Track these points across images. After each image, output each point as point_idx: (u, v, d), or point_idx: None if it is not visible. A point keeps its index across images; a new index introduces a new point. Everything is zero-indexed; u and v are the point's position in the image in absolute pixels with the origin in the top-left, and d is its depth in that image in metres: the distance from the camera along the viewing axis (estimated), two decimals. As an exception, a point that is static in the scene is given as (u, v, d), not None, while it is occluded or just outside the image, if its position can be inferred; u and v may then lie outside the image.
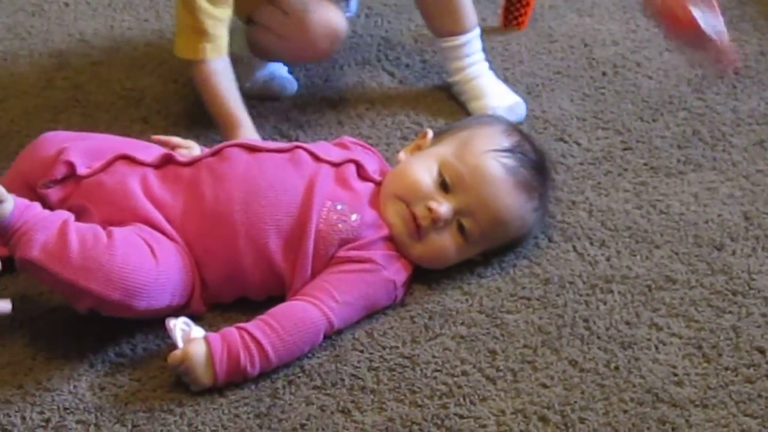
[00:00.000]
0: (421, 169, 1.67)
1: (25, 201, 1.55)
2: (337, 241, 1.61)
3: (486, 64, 2.15)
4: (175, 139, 1.83)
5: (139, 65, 2.26)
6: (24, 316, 1.58)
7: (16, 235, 1.50)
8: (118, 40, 2.35)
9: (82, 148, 1.68)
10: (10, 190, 1.59)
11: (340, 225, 1.62)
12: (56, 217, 1.53)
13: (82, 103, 2.14)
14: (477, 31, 2.13)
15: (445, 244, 1.65)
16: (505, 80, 2.19)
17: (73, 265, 1.48)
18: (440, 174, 1.66)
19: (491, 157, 1.66)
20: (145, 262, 1.52)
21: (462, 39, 2.11)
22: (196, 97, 2.13)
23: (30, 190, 1.66)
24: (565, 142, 2.01)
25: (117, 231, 1.54)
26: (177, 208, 1.62)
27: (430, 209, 1.63)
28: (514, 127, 1.76)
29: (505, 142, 1.69)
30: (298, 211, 1.62)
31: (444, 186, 1.65)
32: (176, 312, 1.58)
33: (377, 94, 2.16)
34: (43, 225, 1.50)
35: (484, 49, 2.16)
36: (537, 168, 1.70)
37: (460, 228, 1.65)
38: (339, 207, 1.63)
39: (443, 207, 1.63)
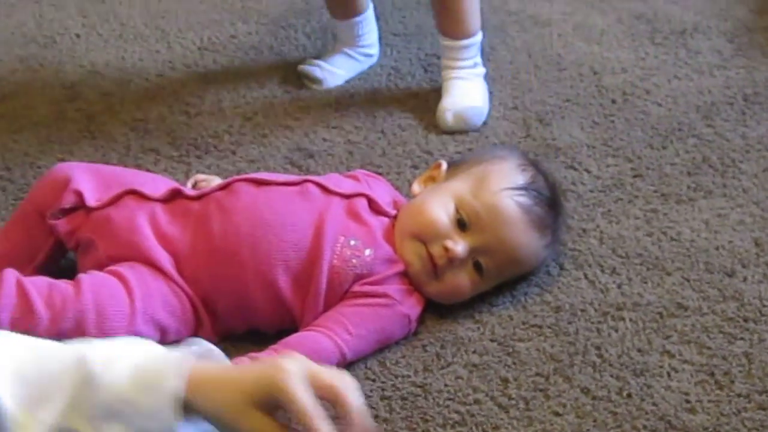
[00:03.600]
0: (438, 206, 1.67)
1: None
2: (352, 277, 1.61)
3: (477, 70, 2.22)
4: (200, 176, 1.86)
5: (150, 96, 2.27)
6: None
7: None
8: (130, 71, 2.36)
9: (92, 179, 1.69)
10: (24, 220, 1.61)
11: (354, 261, 1.62)
12: (8, 283, 1.52)
13: (94, 134, 2.15)
14: (474, 39, 2.20)
15: (460, 281, 1.66)
16: (515, 108, 2.20)
17: (47, 331, 1.48)
18: (457, 212, 1.66)
19: (507, 196, 1.66)
20: (117, 302, 1.53)
21: (457, 43, 2.19)
22: (207, 128, 2.15)
23: (43, 220, 1.67)
24: (576, 169, 2.01)
25: (85, 278, 1.55)
26: (185, 243, 1.62)
27: (446, 249, 1.63)
28: (529, 161, 1.76)
29: (520, 179, 1.69)
30: (309, 246, 1.61)
31: (461, 224, 1.65)
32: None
33: (387, 124, 2.16)
34: (2, 300, 1.50)
35: (491, 69, 2.24)
36: (550, 204, 1.70)
37: (477, 266, 1.65)
38: (353, 242, 1.63)
39: (459, 246, 1.63)
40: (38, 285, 1.54)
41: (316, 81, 2.29)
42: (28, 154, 2.09)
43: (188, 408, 1.09)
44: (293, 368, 1.08)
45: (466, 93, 2.17)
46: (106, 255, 1.61)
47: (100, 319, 1.51)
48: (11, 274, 1.54)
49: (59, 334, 1.48)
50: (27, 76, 2.36)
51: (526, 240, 1.67)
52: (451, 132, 2.13)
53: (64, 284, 1.55)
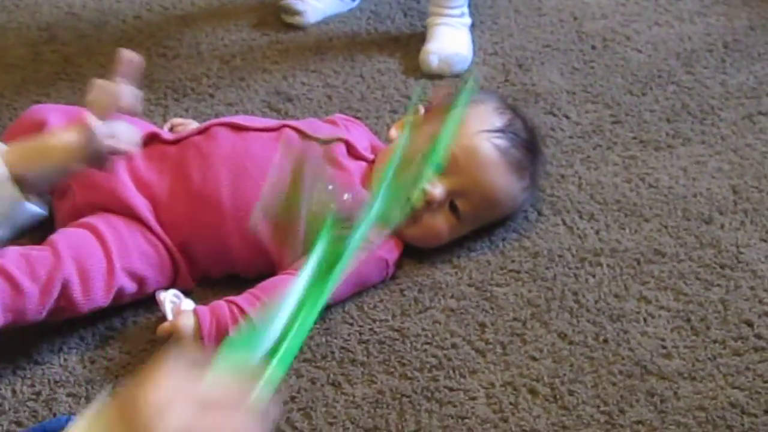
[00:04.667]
0: None
1: None
2: (330, 222, 1.61)
3: (464, 20, 2.21)
4: (177, 120, 1.84)
5: (128, 38, 2.25)
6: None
7: None
8: (107, 12, 2.34)
9: (68, 122, 1.67)
10: None
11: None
12: None
13: (70, 75, 2.13)
14: None
15: (438, 225, 1.66)
16: (494, 53, 2.19)
17: (38, 305, 1.46)
18: None
19: (484, 138, 1.66)
20: (96, 261, 1.51)
21: None
22: (184, 71, 2.13)
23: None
24: (555, 115, 2.01)
25: (59, 240, 1.52)
26: (163, 188, 1.62)
27: (423, 192, 1.63)
28: (506, 104, 1.76)
29: (498, 122, 1.69)
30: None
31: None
32: (156, 289, 1.58)
33: (367, 68, 2.15)
34: None
35: (471, 15, 2.23)
36: (528, 147, 1.70)
37: (454, 209, 1.65)
38: (330, 187, 1.63)
39: (437, 189, 1.63)
40: (14, 260, 1.47)
41: (297, 13, 2.27)
42: (3, 95, 2.07)
43: (22, 181, 1.35)
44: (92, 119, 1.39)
45: (452, 40, 2.16)
46: (83, 201, 1.60)
47: (83, 281, 1.49)
48: None
49: (47, 304, 1.47)
50: (2, 17, 2.33)
51: (503, 182, 1.67)
52: (432, 77, 2.12)
53: (38, 252, 1.50)
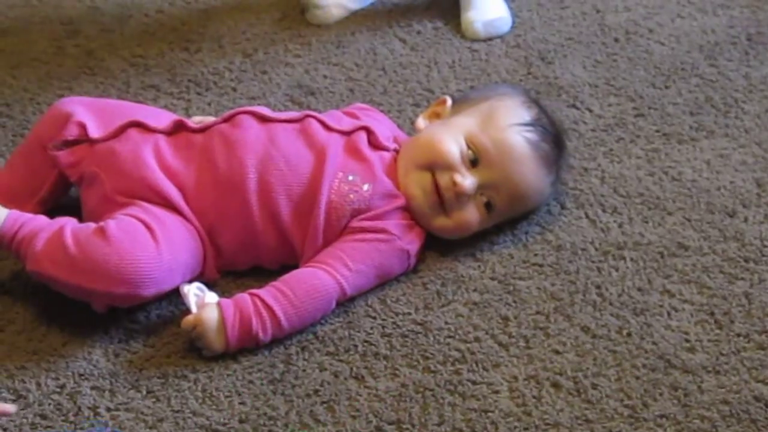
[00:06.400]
0: (449, 138, 1.66)
1: (20, 212, 1.58)
2: (350, 212, 1.61)
3: None
4: (197, 118, 1.84)
5: (150, 32, 2.26)
6: (39, 283, 1.59)
7: (14, 244, 1.54)
8: (129, 6, 2.34)
9: (95, 113, 1.68)
10: (27, 153, 1.65)
11: (351, 196, 1.62)
12: (55, 223, 1.56)
13: (93, 70, 2.14)
14: None
15: (469, 217, 1.65)
16: (516, 46, 2.19)
17: (73, 268, 1.49)
18: (468, 147, 1.65)
19: (515, 132, 1.66)
20: (144, 249, 1.51)
21: None
22: (207, 64, 2.14)
23: (45, 152, 1.67)
24: (578, 108, 2.01)
25: (112, 223, 1.53)
26: (190, 176, 1.62)
27: (454, 182, 1.63)
28: (532, 98, 1.76)
29: (527, 116, 1.69)
30: (309, 181, 1.62)
31: (473, 162, 1.65)
32: (190, 279, 1.58)
33: (389, 61, 2.15)
34: (42, 233, 1.53)
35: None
36: (555, 141, 1.70)
37: (488, 206, 1.65)
38: (351, 178, 1.63)
39: (467, 181, 1.63)
40: (74, 226, 1.55)
41: (319, 7, 2.27)
42: (27, 90, 2.08)
43: None
44: None
45: (489, 4, 2.24)
46: (112, 189, 1.61)
47: (135, 269, 1.51)
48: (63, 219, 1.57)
49: (83, 271, 1.50)
50: (26, 12, 2.34)
51: (534, 176, 1.67)
52: (478, 40, 2.20)
53: (95, 227, 1.54)
